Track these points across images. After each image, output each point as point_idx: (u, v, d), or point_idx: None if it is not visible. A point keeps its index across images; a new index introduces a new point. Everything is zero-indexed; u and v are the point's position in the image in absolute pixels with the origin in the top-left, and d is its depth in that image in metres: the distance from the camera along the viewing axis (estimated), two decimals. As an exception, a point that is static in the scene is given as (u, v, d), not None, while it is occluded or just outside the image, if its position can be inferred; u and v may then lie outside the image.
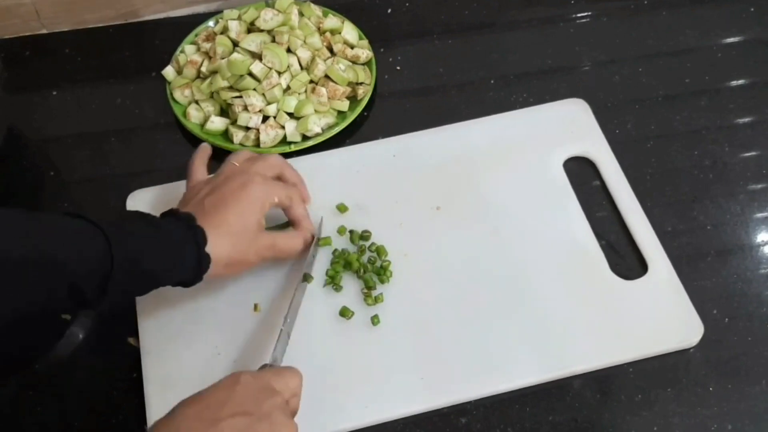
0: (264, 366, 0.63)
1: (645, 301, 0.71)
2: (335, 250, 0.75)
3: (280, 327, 0.67)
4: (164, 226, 0.63)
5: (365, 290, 0.72)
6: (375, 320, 0.70)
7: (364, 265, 0.73)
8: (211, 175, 0.72)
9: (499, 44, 0.94)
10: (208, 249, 0.64)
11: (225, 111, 0.86)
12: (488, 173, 0.81)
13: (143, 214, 0.65)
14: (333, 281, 0.73)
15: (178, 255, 0.63)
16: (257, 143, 0.83)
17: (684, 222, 0.78)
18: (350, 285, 0.73)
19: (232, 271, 0.68)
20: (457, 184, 0.80)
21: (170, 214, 0.66)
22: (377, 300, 0.72)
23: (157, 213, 0.77)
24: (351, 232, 0.76)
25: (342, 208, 0.78)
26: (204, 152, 0.76)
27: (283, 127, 0.84)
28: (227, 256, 0.65)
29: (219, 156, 0.83)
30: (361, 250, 0.75)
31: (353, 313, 0.71)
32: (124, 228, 0.61)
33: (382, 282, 0.73)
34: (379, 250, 0.74)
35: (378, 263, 0.74)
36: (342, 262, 0.74)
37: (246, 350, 0.70)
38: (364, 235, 0.76)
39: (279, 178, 0.73)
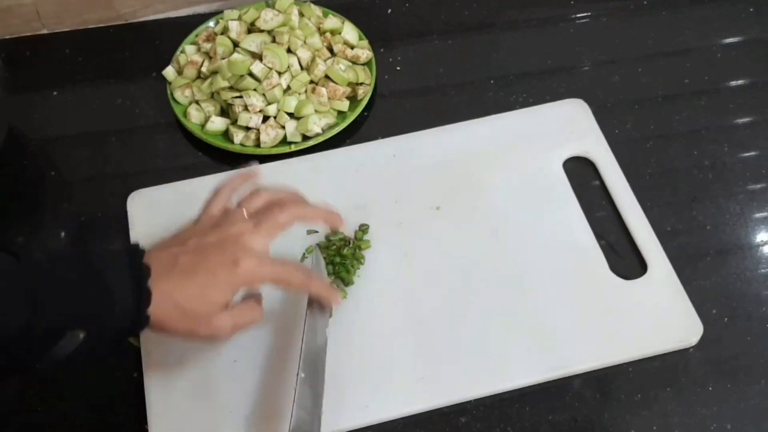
0: None
1: (644, 301, 0.72)
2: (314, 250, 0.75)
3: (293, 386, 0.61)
4: (106, 276, 0.56)
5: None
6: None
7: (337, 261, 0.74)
8: (230, 208, 0.66)
9: (499, 44, 0.94)
10: (150, 311, 0.57)
11: (225, 111, 0.86)
12: (488, 173, 0.81)
13: (84, 263, 0.58)
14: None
15: (114, 313, 0.56)
16: (257, 143, 0.83)
17: (683, 222, 0.78)
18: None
19: (178, 337, 0.62)
20: (457, 184, 0.80)
21: (124, 254, 0.59)
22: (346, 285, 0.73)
23: (157, 213, 0.77)
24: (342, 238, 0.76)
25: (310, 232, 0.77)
26: (227, 194, 0.67)
27: (283, 127, 0.84)
28: (170, 327, 0.59)
29: (220, 158, 0.84)
30: (336, 250, 0.75)
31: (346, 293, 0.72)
32: (55, 280, 0.55)
33: (348, 272, 0.73)
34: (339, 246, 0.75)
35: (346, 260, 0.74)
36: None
37: (245, 350, 0.70)
38: (363, 228, 0.76)
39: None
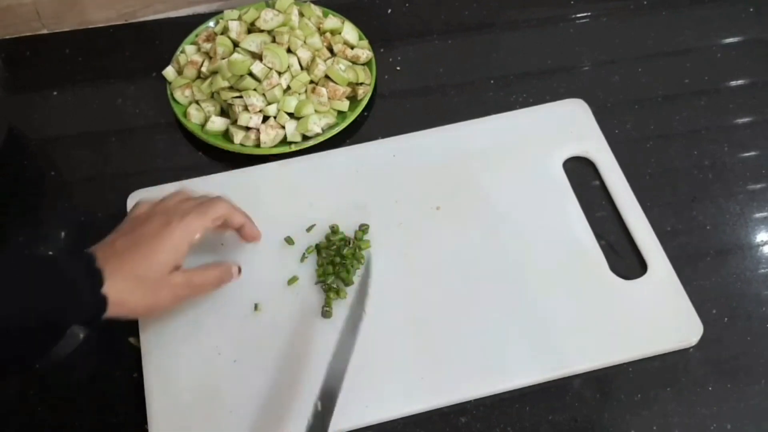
0: None
1: (644, 301, 0.72)
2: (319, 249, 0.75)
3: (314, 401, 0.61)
4: (60, 267, 0.60)
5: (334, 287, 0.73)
6: (327, 314, 0.71)
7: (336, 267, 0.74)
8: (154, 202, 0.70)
9: (499, 44, 0.94)
10: (105, 290, 0.60)
11: (225, 111, 0.86)
12: (488, 173, 0.81)
13: (39, 259, 0.62)
14: (324, 281, 0.73)
15: (71, 297, 0.59)
16: (257, 143, 0.83)
17: (683, 222, 0.78)
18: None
19: (143, 314, 0.67)
20: (457, 184, 0.80)
21: (74, 254, 0.63)
22: (339, 294, 0.72)
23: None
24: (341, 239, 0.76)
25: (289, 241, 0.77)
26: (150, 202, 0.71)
27: (283, 127, 0.84)
28: (130, 300, 0.62)
29: (220, 157, 0.84)
30: (336, 250, 0.75)
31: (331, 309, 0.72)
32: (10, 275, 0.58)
33: (348, 272, 0.73)
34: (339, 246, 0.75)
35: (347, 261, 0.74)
36: (330, 265, 0.74)
37: (246, 350, 0.70)
38: (363, 228, 0.76)
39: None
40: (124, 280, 0.62)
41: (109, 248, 0.64)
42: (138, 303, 0.63)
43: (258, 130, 0.83)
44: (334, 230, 0.76)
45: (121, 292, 0.61)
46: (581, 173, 0.81)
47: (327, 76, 0.86)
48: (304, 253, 0.75)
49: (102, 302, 0.60)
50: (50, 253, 0.62)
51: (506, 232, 0.76)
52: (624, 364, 0.69)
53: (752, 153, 0.84)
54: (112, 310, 0.61)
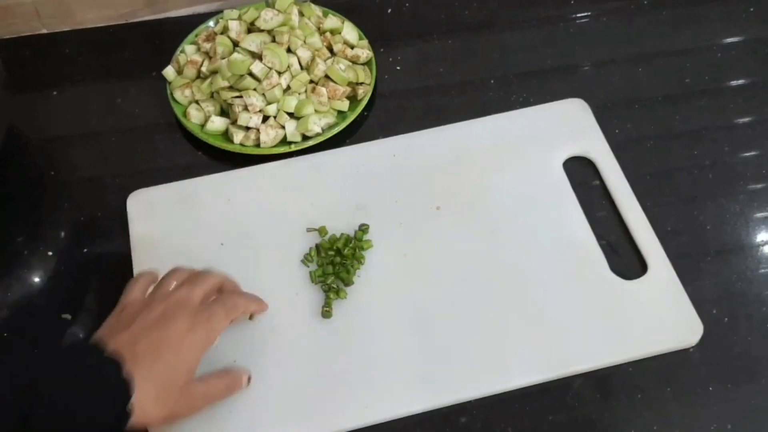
0: None
1: (644, 301, 0.72)
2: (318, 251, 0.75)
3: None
4: (86, 377, 0.56)
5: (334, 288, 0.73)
6: (327, 314, 0.71)
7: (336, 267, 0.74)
8: (150, 291, 0.66)
9: (499, 44, 0.94)
10: (133, 401, 0.56)
11: (225, 111, 0.86)
12: (488, 173, 0.81)
13: (67, 361, 0.58)
14: (324, 281, 0.73)
15: (98, 407, 0.56)
16: (257, 143, 0.83)
17: (683, 222, 0.78)
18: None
19: (158, 426, 0.62)
20: (457, 184, 0.80)
21: (97, 354, 0.58)
22: (339, 294, 0.72)
23: (157, 213, 0.77)
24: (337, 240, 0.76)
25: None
26: (147, 279, 0.68)
27: (283, 127, 0.84)
28: (152, 412, 0.58)
29: (220, 157, 0.84)
30: (336, 250, 0.75)
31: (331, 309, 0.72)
32: (40, 389, 0.54)
33: (348, 272, 0.73)
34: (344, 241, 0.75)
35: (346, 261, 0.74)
36: (331, 265, 0.74)
37: (246, 350, 0.70)
38: (363, 228, 0.76)
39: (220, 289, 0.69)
40: (148, 389, 0.57)
41: (129, 348, 0.58)
42: (159, 414, 0.59)
43: (258, 130, 0.83)
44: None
45: (145, 403, 0.57)
46: (581, 173, 0.81)
47: (327, 76, 0.86)
48: (304, 253, 0.75)
49: (126, 415, 0.56)
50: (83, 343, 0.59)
51: (506, 232, 0.76)
52: (624, 364, 0.69)
53: (753, 153, 0.84)
54: (135, 421, 0.57)
